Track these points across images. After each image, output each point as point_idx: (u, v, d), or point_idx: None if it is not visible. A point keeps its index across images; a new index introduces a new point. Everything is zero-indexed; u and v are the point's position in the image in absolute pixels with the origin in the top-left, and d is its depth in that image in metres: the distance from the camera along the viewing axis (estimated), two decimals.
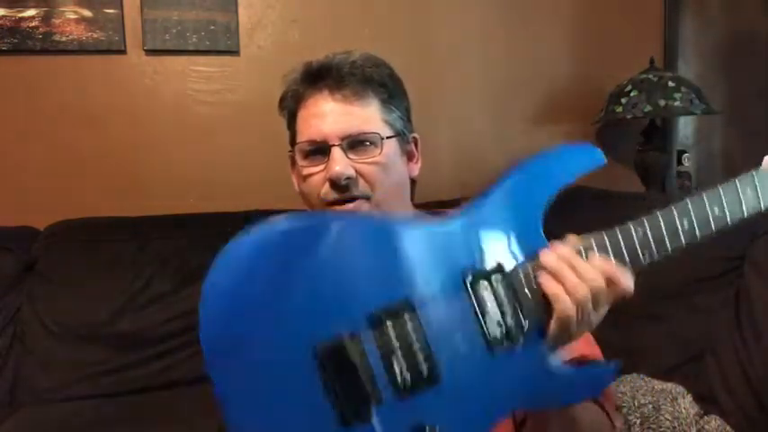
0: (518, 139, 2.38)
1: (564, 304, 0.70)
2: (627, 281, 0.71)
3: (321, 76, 0.92)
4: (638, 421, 1.29)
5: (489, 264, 0.74)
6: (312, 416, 0.68)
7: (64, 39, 1.98)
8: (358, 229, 0.78)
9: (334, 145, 0.89)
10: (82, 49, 2.00)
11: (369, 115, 0.91)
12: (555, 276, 0.72)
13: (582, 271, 0.71)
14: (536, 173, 0.79)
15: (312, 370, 0.70)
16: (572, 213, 1.99)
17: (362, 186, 0.89)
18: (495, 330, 0.72)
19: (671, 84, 2.12)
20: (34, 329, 1.75)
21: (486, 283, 0.74)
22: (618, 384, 1.41)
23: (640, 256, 0.74)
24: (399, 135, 0.94)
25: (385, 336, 0.71)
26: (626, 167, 2.42)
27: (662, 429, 1.26)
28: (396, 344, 0.71)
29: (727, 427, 1.27)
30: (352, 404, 0.69)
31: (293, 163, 0.97)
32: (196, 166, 2.11)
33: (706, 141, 2.63)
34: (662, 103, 2.09)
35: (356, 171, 0.89)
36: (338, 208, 0.89)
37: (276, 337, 0.72)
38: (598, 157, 0.81)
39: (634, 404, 1.33)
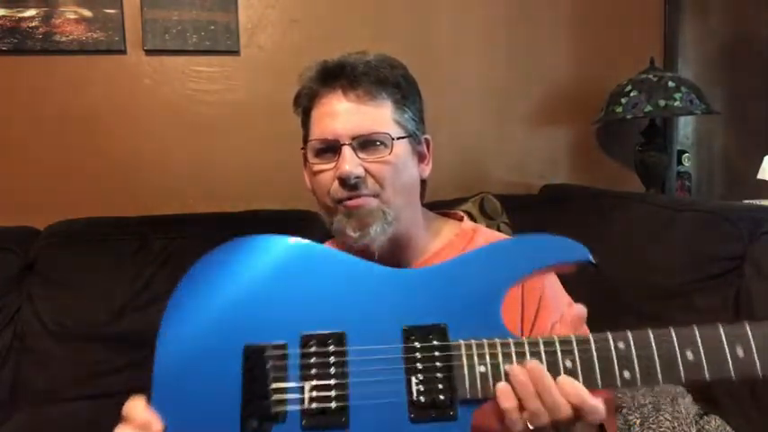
0: (518, 140, 2.38)
1: (514, 424, 0.66)
2: (596, 413, 0.66)
3: (335, 75, 0.92)
4: (638, 421, 1.29)
5: (432, 326, 0.73)
6: (221, 412, 0.71)
7: (64, 39, 1.98)
8: (322, 258, 0.82)
9: (344, 144, 0.89)
10: (82, 49, 2.00)
11: (381, 116, 0.92)
12: (515, 392, 0.67)
13: (547, 399, 0.66)
14: (517, 250, 0.79)
15: (238, 368, 0.74)
16: (572, 213, 2.00)
17: (372, 185, 0.90)
18: (420, 395, 0.70)
19: (671, 84, 2.12)
20: (34, 329, 1.75)
21: (424, 342, 0.72)
22: None
23: (617, 377, 0.68)
24: (411, 136, 0.95)
25: (307, 358, 0.73)
26: (626, 167, 2.42)
27: (662, 429, 1.26)
28: (314, 371, 0.72)
29: (727, 428, 1.27)
30: (256, 414, 0.71)
31: (305, 161, 0.97)
32: (196, 166, 2.11)
33: (706, 141, 2.63)
34: (662, 103, 2.09)
35: (366, 170, 0.90)
36: (347, 203, 0.90)
37: (222, 330, 0.77)
38: (584, 254, 0.76)
39: (634, 404, 1.33)
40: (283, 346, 0.74)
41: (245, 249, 0.81)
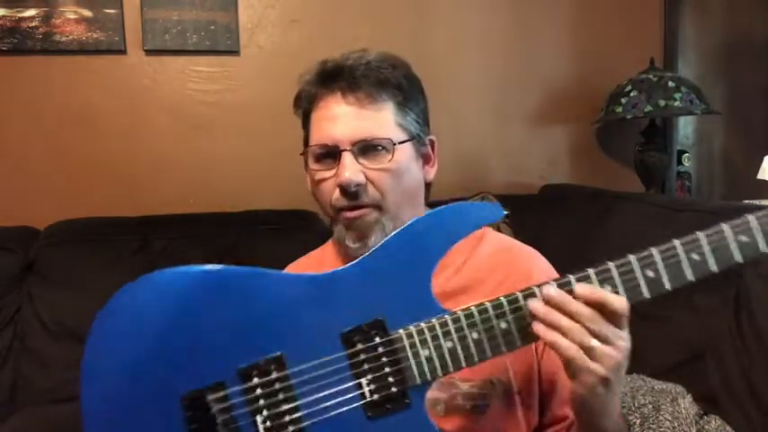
0: (518, 140, 2.38)
1: (565, 350, 0.69)
2: (617, 301, 0.70)
3: (335, 77, 0.90)
4: (638, 421, 1.29)
5: (371, 323, 0.72)
6: None
7: (64, 39, 1.98)
8: (236, 281, 0.75)
9: (345, 150, 0.87)
10: (82, 49, 2.00)
11: (382, 119, 0.89)
12: (548, 323, 0.70)
13: (571, 309, 0.70)
14: (435, 227, 0.77)
15: (181, 421, 0.70)
16: (572, 213, 2.00)
17: (372, 193, 0.88)
18: (372, 393, 0.70)
19: (671, 84, 2.12)
20: (34, 329, 1.75)
21: (365, 344, 0.72)
22: None
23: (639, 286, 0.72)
24: (414, 139, 0.93)
25: (252, 392, 0.70)
26: (626, 167, 2.42)
27: (662, 429, 1.26)
28: (262, 402, 0.70)
29: (727, 427, 1.27)
30: None
31: (307, 163, 0.96)
32: (196, 166, 2.11)
33: (706, 141, 2.63)
34: (662, 103, 2.09)
35: (367, 178, 0.88)
36: (347, 214, 0.89)
37: (150, 384, 0.71)
38: (497, 212, 0.78)
39: (634, 404, 1.33)
40: (222, 386, 0.70)
41: (149, 291, 0.74)
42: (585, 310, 0.69)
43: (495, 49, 2.34)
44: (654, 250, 0.72)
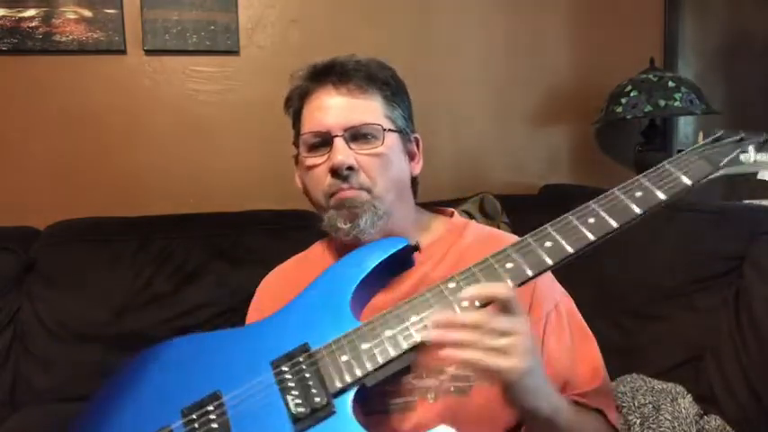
0: (518, 139, 2.38)
1: (471, 362, 0.70)
2: (501, 289, 0.72)
3: (326, 73, 0.94)
4: (638, 421, 1.29)
5: (298, 348, 0.79)
6: None
7: (64, 39, 1.98)
8: (173, 345, 0.91)
9: (336, 135, 0.91)
10: (82, 49, 2.00)
11: (371, 108, 0.93)
12: (446, 345, 0.70)
13: (458, 321, 0.71)
14: (345, 265, 0.88)
15: None
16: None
17: (363, 179, 0.91)
18: (298, 407, 0.74)
19: (671, 84, 2.12)
20: (34, 329, 1.75)
21: (290, 362, 0.78)
22: (618, 384, 1.41)
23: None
24: (401, 132, 0.96)
25: (190, 424, 0.78)
26: (626, 167, 2.42)
27: (662, 429, 1.26)
28: (201, 430, 0.77)
29: (727, 427, 1.27)
30: None
31: (297, 163, 0.99)
32: (196, 167, 2.11)
33: None
34: (662, 103, 2.09)
35: (357, 162, 0.91)
36: (339, 194, 0.92)
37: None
38: (398, 243, 0.87)
39: (634, 404, 1.33)
40: (167, 428, 0.78)
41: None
42: (476, 316, 0.70)
43: (496, 49, 2.34)
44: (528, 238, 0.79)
